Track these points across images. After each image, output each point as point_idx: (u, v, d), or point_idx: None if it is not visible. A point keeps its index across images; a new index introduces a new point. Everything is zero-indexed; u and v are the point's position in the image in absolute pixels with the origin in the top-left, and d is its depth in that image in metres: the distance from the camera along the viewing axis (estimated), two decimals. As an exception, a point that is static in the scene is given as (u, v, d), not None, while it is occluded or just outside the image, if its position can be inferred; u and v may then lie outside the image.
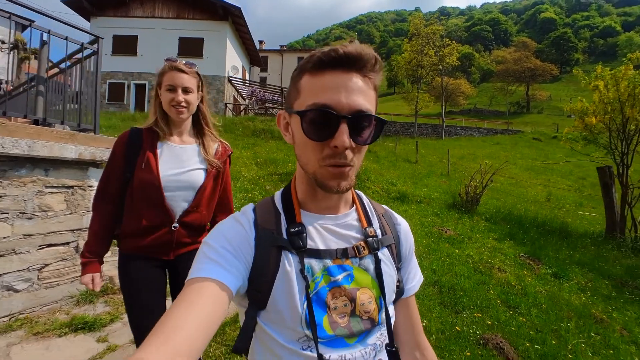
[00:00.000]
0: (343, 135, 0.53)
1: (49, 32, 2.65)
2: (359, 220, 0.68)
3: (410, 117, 28.56)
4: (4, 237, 2.27)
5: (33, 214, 2.40)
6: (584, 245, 6.19)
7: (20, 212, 2.34)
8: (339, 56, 0.53)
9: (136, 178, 1.28)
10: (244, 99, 22.53)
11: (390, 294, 0.67)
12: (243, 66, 23.26)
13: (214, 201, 1.45)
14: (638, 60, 6.30)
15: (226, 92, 19.32)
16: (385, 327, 0.64)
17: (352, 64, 0.54)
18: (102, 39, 2.80)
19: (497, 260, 4.61)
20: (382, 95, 59.12)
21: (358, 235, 0.66)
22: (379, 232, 0.69)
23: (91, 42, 2.87)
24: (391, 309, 0.68)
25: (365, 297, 0.62)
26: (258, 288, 0.59)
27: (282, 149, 10.17)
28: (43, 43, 2.68)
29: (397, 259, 0.70)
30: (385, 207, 0.78)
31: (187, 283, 0.53)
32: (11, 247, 2.30)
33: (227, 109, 18.66)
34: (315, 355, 0.57)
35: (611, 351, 2.94)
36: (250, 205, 0.68)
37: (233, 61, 20.43)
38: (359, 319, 0.61)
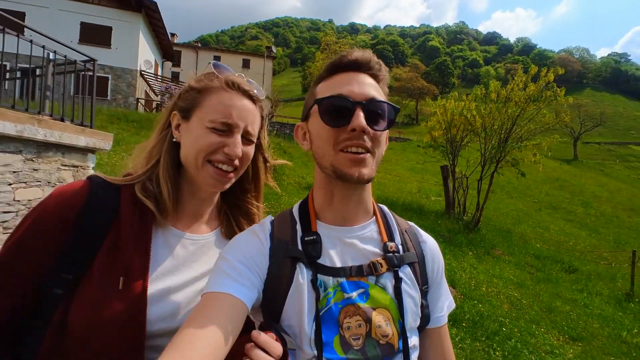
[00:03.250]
0: (359, 118, 0.55)
1: (54, 52, 3.69)
2: (379, 233, 0.65)
3: (323, 123, 31.64)
4: (38, 198, 3.30)
5: (55, 183, 3.45)
6: (429, 217, 9.26)
7: (47, 181, 3.38)
8: (349, 61, 0.59)
9: (89, 300, 0.56)
10: (157, 95, 21.87)
11: (412, 318, 0.61)
12: (155, 60, 22.50)
13: None
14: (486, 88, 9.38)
15: (138, 87, 18.66)
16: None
17: (360, 67, 0.60)
18: (96, 60, 3.89)
19: (370, 223, 6.99)
20: (298, 99, 62.26)
21: (377, 250, 0.63)
22: (400, 248, 0.65)
23: (86, 61, 3.94)
24: (414, 337, 0.61)
25: (382, 318, 0.58)
26: (272, 301, 0.58)
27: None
28: (49, 61, 3.69)
29: (422, 280, 0.65)
30: (410, 223, 0.73)
31: (203, 297, 0.54)
32: (42, 204, 3.33)
33: (139, 104, 18.11)
34: None
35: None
36: (269, 217, 0.68)
37: (145, 54, 19.77)
38: (376, 342, 0.57)
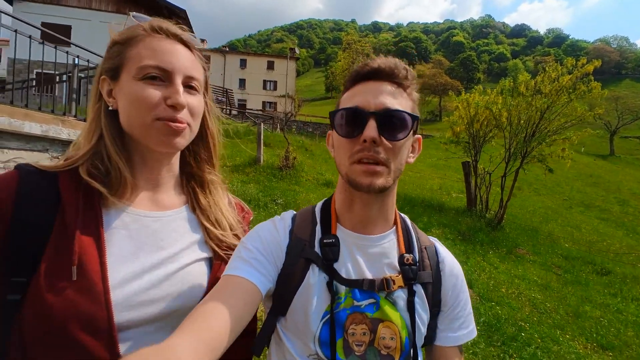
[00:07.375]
0: (370, 129, 0.55)
1: (77, 56, 3.92)
2: (398, 244, 0.65)
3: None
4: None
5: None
6: (449, 214, 8.98)
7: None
8: (370, 69, 0.59)
9: (42, 298, 0.49)
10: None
11: (419, 336, 0.62)
12: (182, 64, 23.37)
13: None
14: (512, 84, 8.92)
15: (165, 90, 19.50)
16: None
17: (382, 75, 0.59)
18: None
19: (385, 221, 6.89)
20: (321, 99, 62.38)
21: (393, 262, 0.63)
22: (417, 264, 0.64)
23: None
24: (418, 354, 0.62)
25: (389, 332, 0.59)
26: (282, 293, 0.61)
27: (228, 146, 11.51)
28: (74, 66, 3.92)
29: (434, 302, 0.64)
30: (433, 239, 0.71)
31: (223, 278, 0.57)
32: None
33: (166, 106, 18.92)
34: None
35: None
36: (291, 212, 0.70)
37: (174, 59, 20.62)
38: (377, 352, 0.59)
